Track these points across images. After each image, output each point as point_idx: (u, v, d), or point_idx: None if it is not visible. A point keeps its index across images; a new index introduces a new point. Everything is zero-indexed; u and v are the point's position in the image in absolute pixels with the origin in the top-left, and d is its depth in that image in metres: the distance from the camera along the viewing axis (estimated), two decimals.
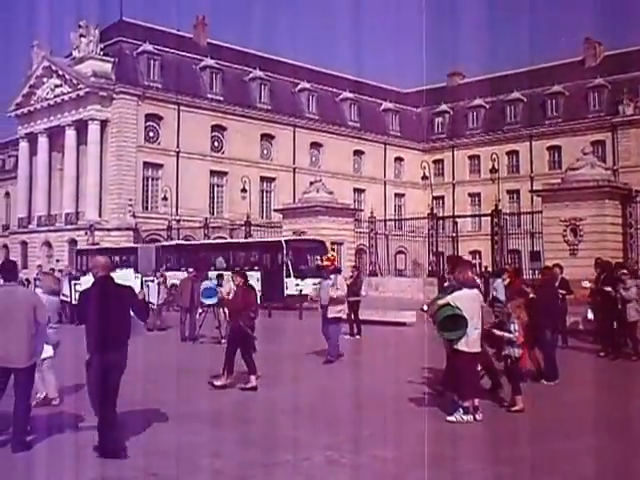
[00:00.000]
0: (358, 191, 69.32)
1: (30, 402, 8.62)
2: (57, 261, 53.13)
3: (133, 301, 8.81)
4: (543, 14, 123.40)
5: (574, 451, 8.56)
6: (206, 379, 12.95)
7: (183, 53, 60.53)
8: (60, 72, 58.27)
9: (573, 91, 64.05)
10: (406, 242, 50.06)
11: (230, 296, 18.09)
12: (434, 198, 66.98)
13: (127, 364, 8.32)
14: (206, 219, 51.08)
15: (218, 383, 12.70)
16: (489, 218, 40.40)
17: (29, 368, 8.48)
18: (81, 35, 56.92)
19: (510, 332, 10.81)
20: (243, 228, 47.58)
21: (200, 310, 21.06)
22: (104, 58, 56.47)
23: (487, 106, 69.86)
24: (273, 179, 64.37)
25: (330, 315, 16.21)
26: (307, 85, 67.39)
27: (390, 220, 53.09)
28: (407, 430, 9.68)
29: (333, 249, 20.87)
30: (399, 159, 73.70)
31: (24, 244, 62.48)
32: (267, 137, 64.31)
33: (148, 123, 57.35)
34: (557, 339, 14.81)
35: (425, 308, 11.33)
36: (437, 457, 8.17)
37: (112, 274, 8.87)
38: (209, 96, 60.42)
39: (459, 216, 53.10)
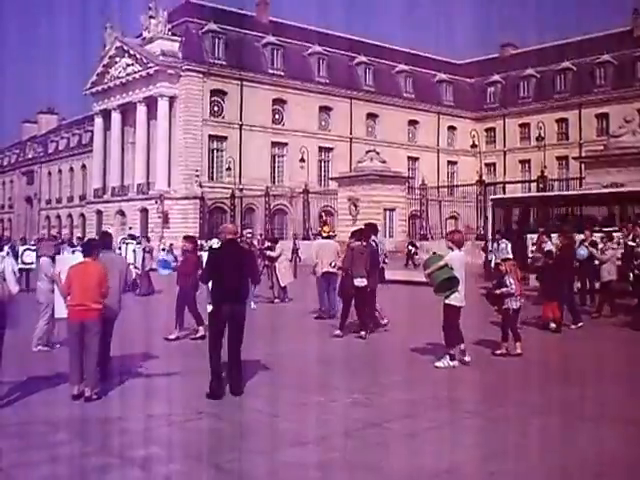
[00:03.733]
0: (412, 159, 71.70)
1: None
2: (130, 228, 57.01)
3: (251, 263, 10.53)
4: None
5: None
6: (264, 334, 14.14)
7: (246, 31, 63.36)
8: (131, 52, 61.73)
9: (621, 60, 65.27)
10: (458, 207, 52.53)
11: None
12: (486, 165, 69.13)
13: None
14: (267, 188, 54.13)
15: (171, 337, 13.93)
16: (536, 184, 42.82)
17: (115, 317, 10.29)
18: (150, 17, 60.18)
19: (507, 286, 12.39)
20: (302, 196, 50.47)
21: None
22: (172, 38, 59.61)
23: (538, 75, 71.29)
24: (331, 149, 67.11)
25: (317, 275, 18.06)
26: (363, 59, 69.75)
27: (442, 187, 55.24)
28: (421, 376, 10.79)
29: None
30: (452, 128, 75.76)
31: (99, 213, 66.70)
32: (325, 109, 67.04)
33: (213, 98, 60.49)
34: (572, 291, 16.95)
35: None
36: (448, 400, 9.33)
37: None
38: (270, 71, 63.27)
39: (506, 182, 54.80)
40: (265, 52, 63.94)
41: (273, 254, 21.56)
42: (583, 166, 37.87)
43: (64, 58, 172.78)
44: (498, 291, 12.52)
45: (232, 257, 9.69)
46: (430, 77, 75.74)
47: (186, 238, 15.53)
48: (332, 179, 53.41)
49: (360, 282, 14.32)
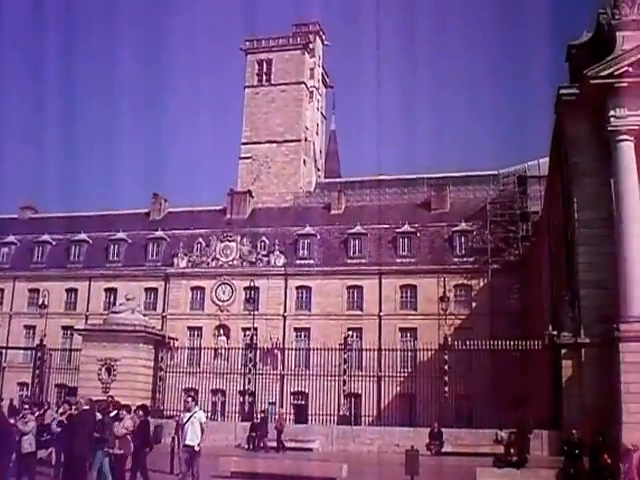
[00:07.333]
0: None
1: None
2: None
3: None
4: None
5: None
6: None
7: None
8: None
9: (135, 239, 68.26)
10: None
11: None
12: None
13: None
14: None
15: None
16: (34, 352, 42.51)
17: None
18: None
19: None
20: None
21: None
22: None
23: (53, 242, 70.90)
24: None
25: None
26: None
27: None
28: None
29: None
30: None
31: None
32: None
33: None
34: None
35: None
36: None
37: None
38: None
39: (5, 347, 54.08)
40: None
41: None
42: (82, 338, 39.08)
43: None
44: None
45: None
46: None
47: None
48: None
49: None
